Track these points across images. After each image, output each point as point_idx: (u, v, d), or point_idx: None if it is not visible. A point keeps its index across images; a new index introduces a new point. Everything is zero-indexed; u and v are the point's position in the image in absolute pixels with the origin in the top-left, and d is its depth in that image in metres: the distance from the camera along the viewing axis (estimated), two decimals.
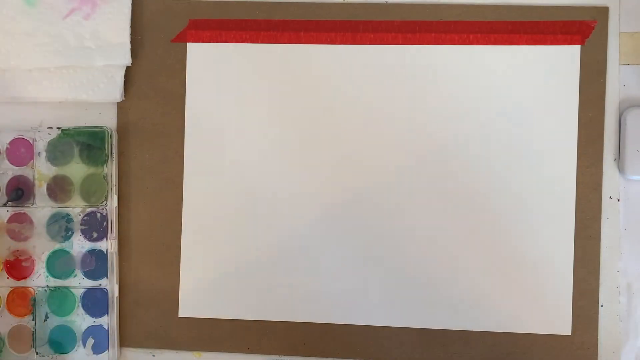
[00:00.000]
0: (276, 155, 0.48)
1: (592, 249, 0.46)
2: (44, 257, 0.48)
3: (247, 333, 0.48)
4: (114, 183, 0.48)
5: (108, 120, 0.49)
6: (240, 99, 0.48)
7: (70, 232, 0.48)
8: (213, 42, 0.48)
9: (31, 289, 0.48)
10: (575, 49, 0.46)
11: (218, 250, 0.48)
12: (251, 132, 0.48)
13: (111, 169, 0.48)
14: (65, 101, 0.48)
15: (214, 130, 0.48)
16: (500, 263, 0.46)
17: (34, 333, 0.48)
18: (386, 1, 0.48)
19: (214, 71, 0.48)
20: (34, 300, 0.48)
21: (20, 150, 0.48)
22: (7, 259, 0.48)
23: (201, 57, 0.48)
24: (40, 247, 0.48)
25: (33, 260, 0.48)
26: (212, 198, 0.48)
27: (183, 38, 0.48)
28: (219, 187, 0.48)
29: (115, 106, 0.49)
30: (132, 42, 0.48)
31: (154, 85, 0.49)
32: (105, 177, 0.47)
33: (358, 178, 0.47)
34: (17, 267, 0.48)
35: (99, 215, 0.47)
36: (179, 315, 0.48)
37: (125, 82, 0.48)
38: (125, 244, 0.48)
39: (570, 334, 0.46)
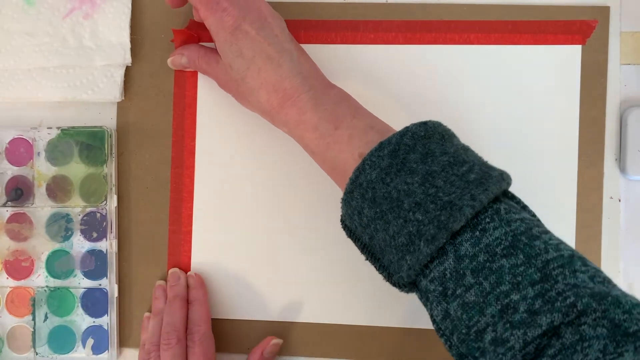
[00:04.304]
0: (280, 156, 0.48)
1: (593, 249, 0.46)
2: (44, 257, 0.48)
3: (247, 333, 0.48)
4: (114, 183, 0.48)
5: (108, 120, 0.49)
6: None
7: (69, 232, 0.48)
8: (213, 41, 0.48)
9: (31, 289, 0.48)
10: (576, 49, 0.46)
11: (219, 251, 0.48)
12: (253, 132, 0.48)
13: (111, 168, 0.47)
14: (64, 101, 0.48)
15: (219, 131, 0.48)
16: None
17: (33, 333, 0.48)
18: (386, 1, 0.47)
19: None
20: (34, 300, 0.48)
21: (19, 150, 0.48)
22: (7, 259, 0.48)
23: None
24: (40, 247, 0.48)
25: (32, 260, 0.48)
26: (218, 199, 0.48)
27: (182, 38, 0.48)
28: (225, 189, 0.48)
29: (115, 106, 0.49)
30: (132, 42, 0.48)
31: (154, 85, 0.48)
32: (104, 177, 0.47)
33: None
34: (17, 267, 0.48)
35: (98, 215, 0.47)
36: None
37: (125, 82, 0.48)
38: (125, 244, 0.48)
39: None
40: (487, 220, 0.31)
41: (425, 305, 0.34)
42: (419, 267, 0.32)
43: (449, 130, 0.36)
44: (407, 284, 0.34)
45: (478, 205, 0.31)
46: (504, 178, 0.33)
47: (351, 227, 0.37)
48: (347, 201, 0.36)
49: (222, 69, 0.43)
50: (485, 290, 0.30)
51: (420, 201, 0.32)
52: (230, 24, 0.40)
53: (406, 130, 0.35)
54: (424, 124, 0.35)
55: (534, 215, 0.35)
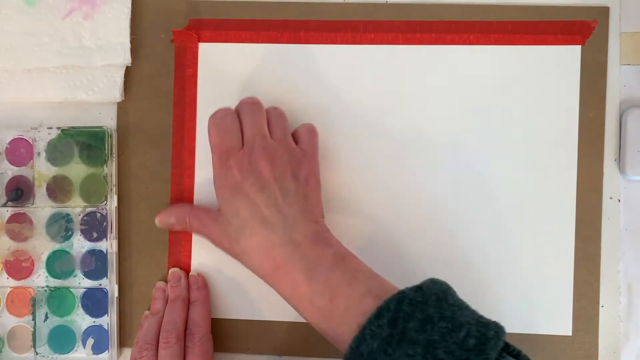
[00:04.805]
0: None
1: (593, 250, 0.46)
2: (44, 257, 0.48)
3: (247, 333, 0.48)
4: (114, 183, 0.48)
5: (108, 120, 0.49)
6: (240, 98, 0.47)
7: (70, 232, 0.48)
8: (213, 42, 0.48)
9: (31, 289, 0.48)
10: (576, 49, 0.46)
11: (219, 251, 0.48)
12: None
13: (111, 169, 0.47)
14: (65, 101, 0.48)
15: None
16: (500, 263, 0.46)
17: (33, 333, 0.48)
18: (386, 1, 0.47)
19: (213, 70, 0.48)
20: (34, 300, 0.48)
21: (20, 150, 0.48)
22: (7, 259, 0.48)
23: (201, 56, 0.48)
24: (40, 247, 0.48)
25: (33, 260, 0.48)
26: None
27: (183, 38, 0.48)
28: None
29: (115, 106, 0.49)
30: (132, 42, 0.48)
31: (154, 85, 0.49)
32: (105, 177, 0.47)
33: (355, 175, 0.47)
34: (17, 267, 0.48)
35: (98, 215, 0.47)
36: None
37: (125, 82, 0.48)
38: (125, 244, 0.48)
39: (570, 334, 0.46)
40: None
41: None
42: None
43: (444, 286, 0.36)
44: None
45: None
46: (499, 336, 0.34)
47: None
48: None
49: (218, 226, 0.42)
50: None
51: None
52: (231, 183, 0.41)
53: (403, 296, 0.35)
54: (420, 288, 0.35)
55: None
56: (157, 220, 0.46)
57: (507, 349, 0.35)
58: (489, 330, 0.34)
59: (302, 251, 0.39)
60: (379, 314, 0.34)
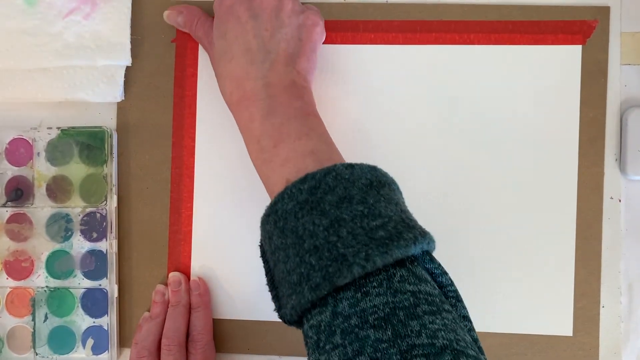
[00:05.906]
0: None
1: (593, 250, 0.46)
2: (44, 258, 0.48)
3: (247, 333, 0.48)
4: (114, 183, 0.48)
5: (108, 120, 0.49)
6: None
7: (69, 233, 0.48)
8: None
9: (30, 290, 0.48)
10: (577, 49, 0.46)
11: (219, 251, 0.48)
12: None
13: (111, 169, 0.47)
14: (65, 101, 0.48)
15: (219, 131, 0.48)
16: (501, 264, 0.46)
17: (33, 334, 0.48)
18: (386, 1, 0.47)
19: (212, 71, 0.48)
20: (34, 300, 0.48)
21: (19, 150, 0.48)
22: (7, 259, 0.48)
23: (201, 56, 0.48)
24: (40, 247, 0.48)
25: (32, 260, 0.48)
26: (218, 199, 0.48)
27: (183, 38, 0.48)
28: (225, 188, 0.48)
29: (115, 106, 0.49)
30: (132, 42, 0.48)
31: (154, 85, 0.48)
32: (104, 177, 0.47)
33: None
34: (17, 268, 0.48)
35: (98, 215, 0.47)
36: None
37: (125, 82, 0.48)
38: (125, 244, 0.48)
39: (571, 334, 0.46)
40: (375, 284, 0.30)
41: (305, 348, 0.33)
42: (300, 310, 0.32)
43: (384, 178, 0.34)
44: (291, 322, 0.34)
45: (370, 267, 0.29)
46: (416, 242, 0.31)
47: (264, 248, 0.36)
48: (262, 223, 0.35)
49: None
50: (347, 355, 0.29)
51: (319, 246, 0.31)
52: (228, 3, 0.41)
53: (332, 168, 0.33)
54: (351, 166, 0.34)
55: (447, 287, 0.33)
56: (165, 14, 0.46)
57: (430, 264, 0.33)
58: (407, 232, 0.31)
59: (270, 92, 0.39)
60: (304, 178, 0.33)
